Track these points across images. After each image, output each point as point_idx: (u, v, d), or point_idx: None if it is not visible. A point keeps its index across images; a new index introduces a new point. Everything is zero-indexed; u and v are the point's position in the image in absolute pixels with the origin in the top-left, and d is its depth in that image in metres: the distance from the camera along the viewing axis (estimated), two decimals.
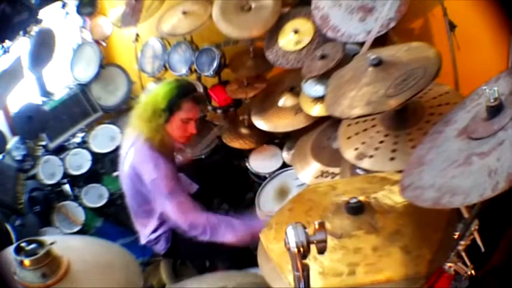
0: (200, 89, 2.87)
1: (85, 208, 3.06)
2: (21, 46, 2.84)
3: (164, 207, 2.19)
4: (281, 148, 2.66)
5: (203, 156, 2.82)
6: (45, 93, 3.29)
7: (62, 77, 3.33)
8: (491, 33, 2.13)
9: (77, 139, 3.21)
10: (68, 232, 2.95)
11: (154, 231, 2.33)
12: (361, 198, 1.31)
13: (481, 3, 2.08)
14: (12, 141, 2.98)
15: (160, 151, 2.18)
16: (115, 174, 2.70)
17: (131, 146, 2.25)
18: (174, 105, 2.15)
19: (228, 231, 2.12)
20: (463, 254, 1.18)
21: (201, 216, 2.15)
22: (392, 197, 1.34)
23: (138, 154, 2.20)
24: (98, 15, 3.32)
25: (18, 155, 2.96)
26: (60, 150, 3.15)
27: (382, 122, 1.78)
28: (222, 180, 2.67)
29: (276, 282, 1.27)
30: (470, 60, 2.13)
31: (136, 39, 3.13)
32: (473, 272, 1.19)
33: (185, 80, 2.42)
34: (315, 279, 1.14)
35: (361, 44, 2.06)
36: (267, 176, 2.56)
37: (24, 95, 3.06)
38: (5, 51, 2.66)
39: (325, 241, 1.02)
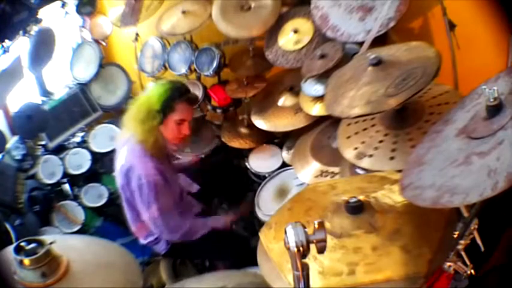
0: (200, 89, 2.86)
1: (85, 208, 3.06)
2: (20, 45, 2.84)
3: (145, 215, 2.19)
4: (281, 148, 2.65)
5: (203, 156, 2.82)
6: (45, 93, 3.29)
7: (62, 77, 3.33)
8: (491, 33, 2.12)
9: (77, 139, 3.22)
10: (68, 231, 2.95)
11: (151, 234, 2.32)
12: (361, 197, 1.31)
13: (481, 3, 2.07)
14: (11, 141, 2.97)
15: (152, 154, 2.16)
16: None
17: (123, 146, 2.24)
18: (168, 106, 2.13)
19: (195, 230, 2.26)
20: (463, 253, 1.18)
21: (176, 227, 2.22)
22: (392, 196, 1.34)
23: (128, 156, 2.18)
24: (98, 15, 3.33)
25: (17, 154, 2.97)
26: (59, 150, 3.15)
27: (382, 122, 1.78)
28: (221, 180, 2.67)
29: (276, 282, 1.27)
30: (470, 59, 2.12)
31: (136, 39, 3.12)
32: (473, 271, 1.18)
33: (179, 82, 2.40)
34: (314, 279, 1.14)
35: (361, 43, 2.05)
36: (266, 175, 2.56)
37: (24, 95, 3.06)
38: (5, 51, 2.65)
39: (324, 240, 1.02)
